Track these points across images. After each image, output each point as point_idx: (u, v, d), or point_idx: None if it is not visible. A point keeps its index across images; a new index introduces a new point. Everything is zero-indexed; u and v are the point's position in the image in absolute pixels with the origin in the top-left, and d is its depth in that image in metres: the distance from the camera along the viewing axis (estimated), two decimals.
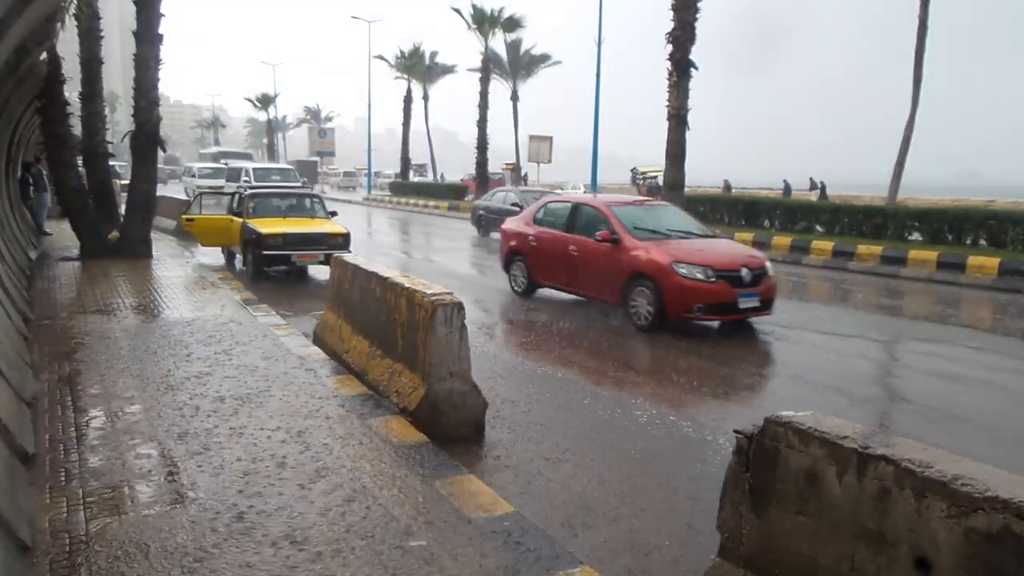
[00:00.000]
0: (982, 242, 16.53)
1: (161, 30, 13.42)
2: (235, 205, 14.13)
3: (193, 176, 36.64)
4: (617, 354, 8.50)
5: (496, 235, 16.59)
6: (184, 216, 14.27)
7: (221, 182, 29.27)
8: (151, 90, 13.62)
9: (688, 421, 6.04)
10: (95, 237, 13.72)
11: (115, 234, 14.01)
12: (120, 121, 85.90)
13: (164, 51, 13.59)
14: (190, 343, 7.47)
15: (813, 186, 34.02)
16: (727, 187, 34.39)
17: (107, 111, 15.97)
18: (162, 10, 13.36)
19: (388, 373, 5.94)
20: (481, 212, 22.84)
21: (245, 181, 23.77)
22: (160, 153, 14.33)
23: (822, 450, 2.79)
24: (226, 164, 34.39)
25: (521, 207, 17.72)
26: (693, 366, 7.90)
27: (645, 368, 8.19)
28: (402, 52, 50.57)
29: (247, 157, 48.06)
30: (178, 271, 12.69)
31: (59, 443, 4.79)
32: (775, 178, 36.65)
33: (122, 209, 15.26)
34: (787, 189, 34.50)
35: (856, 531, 2.65)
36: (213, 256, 14.81)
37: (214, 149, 56.41)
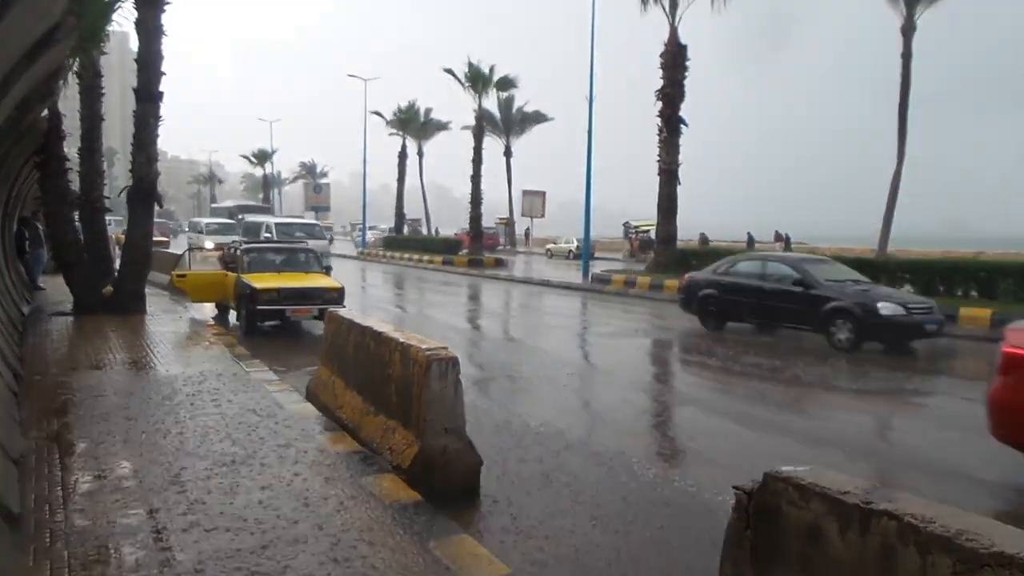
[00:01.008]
0: (973, 293, 16.63)
1: (161, 88, 13.68)
2: (230, 260, 14.20)
3: (200, 232, 34.01)
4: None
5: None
6: (175, 272, 14.28)
7: (232, 239, 25.29)
8: (150, 146, 13.79)
9: (692, 481, 5.96)
10: (89, 292, 13.69)
11: (109, 289, 13.99)
12: (118, 176, 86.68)
13: (163, 108, 13.84)
14: (181, 400, 7.39)
15: (778, 238, 34.61)
16: (703, 240, 34.99)
17: (105, 166, 16.12)
18: (163, 68, 13.64)
19: (382, 430, 5.88)
20: (708, 292, 14.60)
21: (267, 237, 22.02)
22: (156, 208, 14.44)
23: (823, 506, 2.75)
24: (241, 218, 32.22)
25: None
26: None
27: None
28: (399, 108, 51.51)
29: (267, 211, 43.63)
30: (171, 327, 12.63)
31: (45, 503, 4.68)
32: (758, 229, 37.15)
33: (117, 264, 15.26)
34: (750, 241, 35.21)
35: None
36: (207, 312, 14.77)
37: (229, 203, 52.71)
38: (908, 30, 24.98)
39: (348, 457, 5.67)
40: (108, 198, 15.69)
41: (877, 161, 25.71)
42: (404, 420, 5.63)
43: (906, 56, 25.00)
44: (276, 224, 24.68)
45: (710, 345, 12.98)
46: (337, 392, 7.05)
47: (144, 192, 13.78)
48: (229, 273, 13.66)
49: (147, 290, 14.61)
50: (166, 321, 13.13)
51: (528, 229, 49.52)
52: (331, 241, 29.76)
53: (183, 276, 14.13)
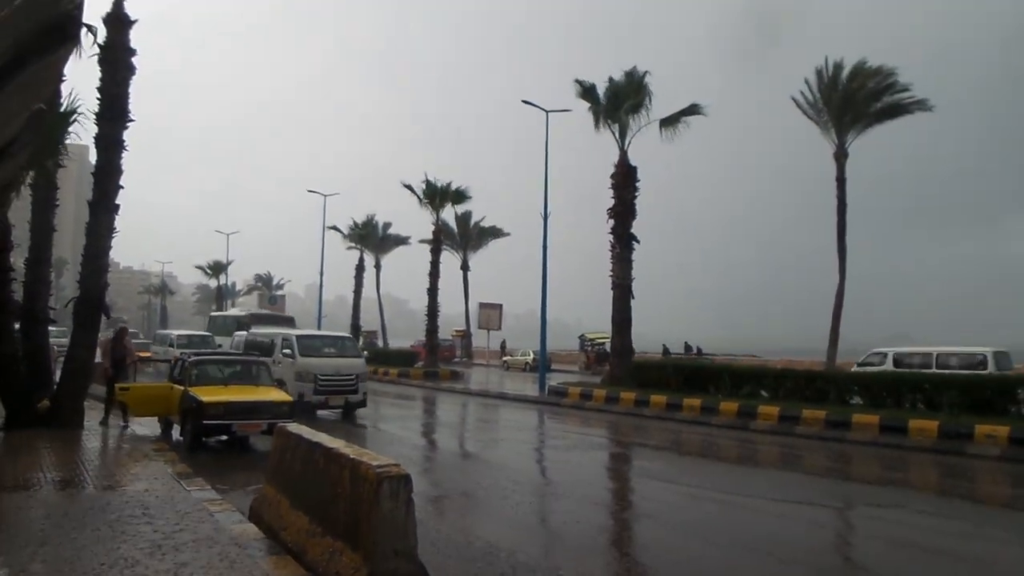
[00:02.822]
0: (920, 405, 16.99)
1: (118, 200, 13.67)
2: (176, 372, 13.81)
3: (170, 345, 30.18)
4: None
5: None
6: (118, 385, 13.76)
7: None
8: (101, 257, 13.61)
9: None
10: (24, 406, 13.05)
11: (45, 403, 13.37)
12: (65, 286, 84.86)
13: (118, 220, 13.77)
14: (114, 523, 6.94)
15: (688, 349, 35.72)
16: (665, 351, 36.56)
17: (53, 276, 15.77)
18: (121, 181, 13.68)
19: (328, 553, 5.58)
20: None
21: (286, 354, 17.97)
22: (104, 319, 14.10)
23: None
24: (245, 332, 24.39)
25: None
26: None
27: None
28: (355, 223, 52.22)
29: (287, 322, 33.35)
30: (110, 442, 12.06)
31: None
32: (710, 345, 38.38)
33: (57, 376, 14.67)
34: (665, 351, 37.35)
35: None
36: (149, 426, 14.17)
37: (236, 311, 42.36)
38: (840, 156, 26.66)
39: None
40: (54, 309, 15.26)
41: (826, 278, 26.69)
42: (352, 542, 5.37)
43: (840, 180, 26.54)
44: (298, 337, 18.62)
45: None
46: (282, 512, 6.72)
47: (91, 303, 13.49)
48: (175, 386, 13.25)
49: (87, 403, 14.01)
50: (105, 437, 12.53)
51: (504, 341, 49.49)
52: (368, 356, 22.47)
53: (126, 389, 13.63)
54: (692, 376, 22.49)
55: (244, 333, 25.43)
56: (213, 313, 46.38)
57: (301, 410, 14.78)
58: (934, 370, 20.23)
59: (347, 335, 22.13)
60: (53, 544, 6.21)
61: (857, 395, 18.28)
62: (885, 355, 23.52)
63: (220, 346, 31.47)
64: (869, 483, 11.94)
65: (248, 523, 7.06)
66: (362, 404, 17.90)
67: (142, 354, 27.77)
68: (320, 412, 17.46)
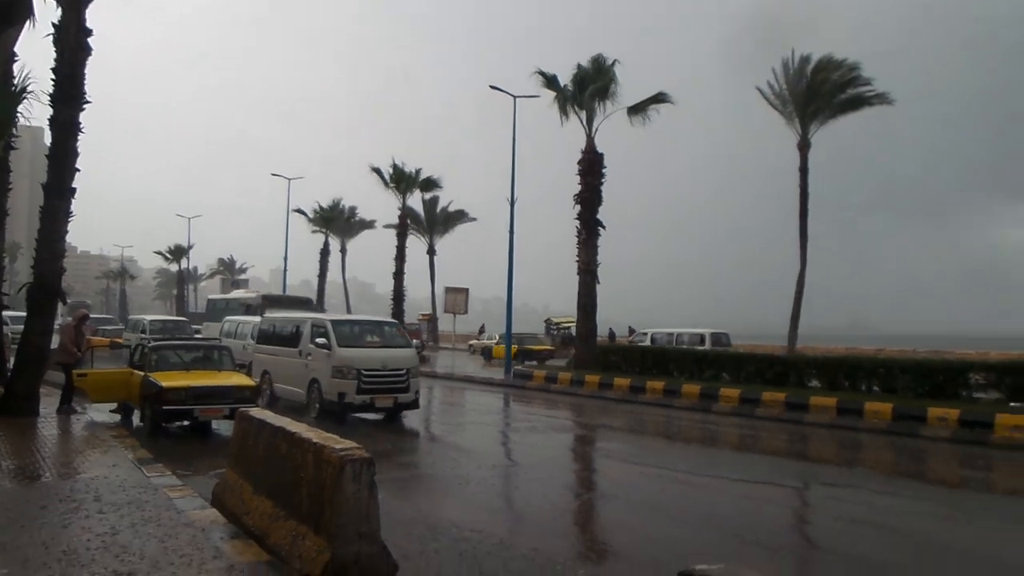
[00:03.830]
0: (875, 388, 17.45)
1: (74, 184, 13.34)
2: (136, 358, 13.58)
3: (142, 332, 26.92)
4: None
5: None
6: (76, 372, 13.49)
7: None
8: (57, 242, 13.28)
9: None
10: None
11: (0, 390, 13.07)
12: (20, 271, 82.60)
13: (74, 203, 13.46)
14: (71, 510, 6.85)
15: (632, 332, 36.50)
16: (611, 335, 37.43)
17: (7, 261, 15.35)
18: (77, 164, 13.35)
19: (291, 536, 5.58)
20: None
21: (319, 344, 14.33)
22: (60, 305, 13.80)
23: None
24: (250, 318, 22.90)
25: None
26: None
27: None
28: (320, 207, 51.67)
29: (305, 304, 28.66)
30: (68, 429, 11.85)
31: None
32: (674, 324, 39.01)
33: (11, 363, 14.33)
34: (611, 335, 37.86)
35: None
36: (108, 413, 13.93)
37: (240, 293, 36.28)
38: (804, 146, 27.09)
39: (254, 567, 5.34)
40: (7, 295, 14.85)
41: (789, 264, 27.16)
42: (315, 525, 5.38)
43: (803, 170, 26.99)
44: (336, 325, 14.69)
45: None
46: (245, 497, 6.69)
47: (46, 289, 13.17)
48: (135, 371, 13.04)
49: (44, 390, 13.72)
50: (63, 424, 12.30)
51: (483, 325, 49.32)
52: (422, 350, 17.98)
53: (84, 375, 13.37)
54: (656, 360, 22.80)
55: (243, 319, 23.38)
56: (212, 296, 39.14)
57: (340, 411, 13.73)
58: (675, 345, 26.64)
59: (391, 320, 18.34)
60: (10, 532, 6.10)
61: (816, 378, 18.71)
62: (646, 334, 29.92)
63: (198, 332, 29.84)
64: (826, 463, 12.26)
65: (210, 508, 7.02)
66: (414, 404, 14.45)
67: (118, 340, 26.92)
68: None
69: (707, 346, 26.18)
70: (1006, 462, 12.19)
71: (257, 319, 21.41)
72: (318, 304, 40.95)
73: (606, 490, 9.77)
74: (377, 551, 5.19)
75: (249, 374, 15.52)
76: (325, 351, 14.13)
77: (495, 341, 40.66)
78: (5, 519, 6.49)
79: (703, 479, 10.11)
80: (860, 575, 6.28)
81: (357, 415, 14.25)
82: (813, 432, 14.99)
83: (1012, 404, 14.83)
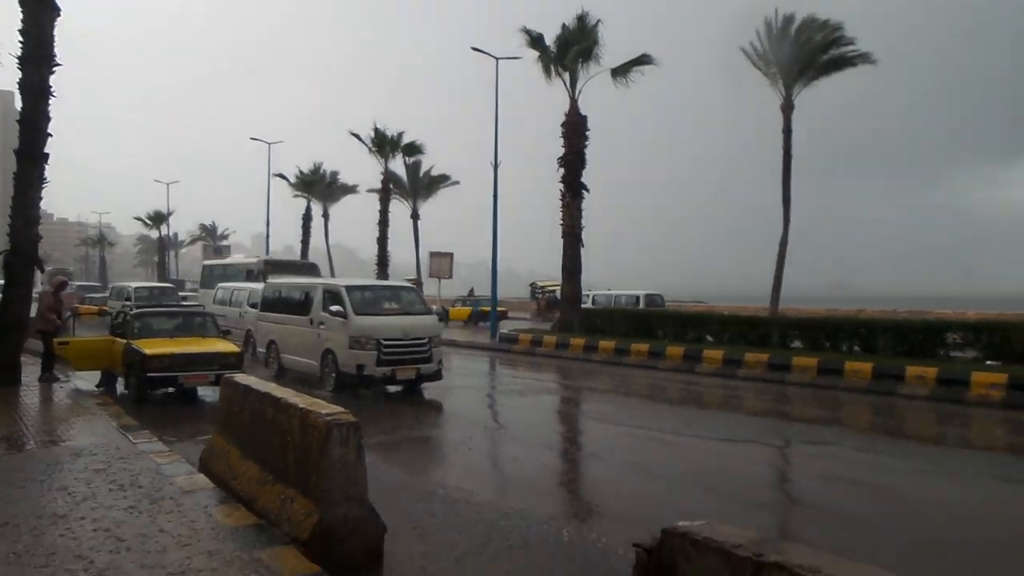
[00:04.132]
0: (856, 348, 17.69)
1: (47, 149, 13.06)
2: (117, 325, 13.47)
3: (127, 299, 26.39)
4: None
5: None
6: (56, 340, 13.36)
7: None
8: (31, 208, 13.03)
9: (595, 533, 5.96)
10: None
11: None
12: None
13: (49, 169, 13.19)
14: (58, 477, 6.84)
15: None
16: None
17: None
18: (49, 129, 13.05)
19: (279, 500, 5.61)
20: None
21: (334, 312, 13.22)
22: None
23: (718, 560, 2.81)
24: (247, 284, 21.63)
25: None
26: None
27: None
28: (300, 172, 51.00)
29: (309, 269, 27.46)
30: (51, 397, 11.77)
31: None
32: (659, 291, 39.03)
33: None
34: (593, 300, 37.98)
35: None
36: (91, 380, 13.84)
37: (240, 257, 34.04)
38: (787, 108, 26.96)
39: (243, 530, 5.37)
40: None
41: (773, 226, 27.22)
42: (303, 489, 5.40)
43: (786, 132, 26.88)
44: (350, 291, 13.65)
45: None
46: (232, 462, 6.71)
47: (22, 256, 12.97)
48: (117, 339, 12.94)
49: (25, 359, 13.58)
50: (44, 392, 12.22)
51: (472, 289, 48.99)
52: (444, 319, 16.75)
53: (65, 343, 13.25)
54: (640, 322, 22.96)
55: (238, 286, 22.22)
56: (207, 262, 35.93)
57: (359, 385, 13.01)
58: (613, 305, 29.00)
59: (409, 285, 16.70)
60: None
61: (798, 339, 18.93)
62: (589, 295, 31.17)
63: (185, 299, 29.20)
64: (806, 422, 12.46)
65: (198, 474, 7.03)
66: (437, 375, 13.63)
67: (105, 308, 26.35)
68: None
69: (641, 307, 28.70)
70: (981, 419, 12.45)
71: (254, 285, 20.62)
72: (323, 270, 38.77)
73: (592, 451, 9.89)
74: (365, 513, 5.23)
75: (241, 342, 15.34)
76: (340, 319, 13.13)
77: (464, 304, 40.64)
78: None
79: (686, 439, 10.25)
80: (838, 529, 6.42)
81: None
82: (795, 392, 15.22)
83: (988, 362, 15.10)
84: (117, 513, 5.75)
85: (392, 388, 13.69)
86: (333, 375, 13.26)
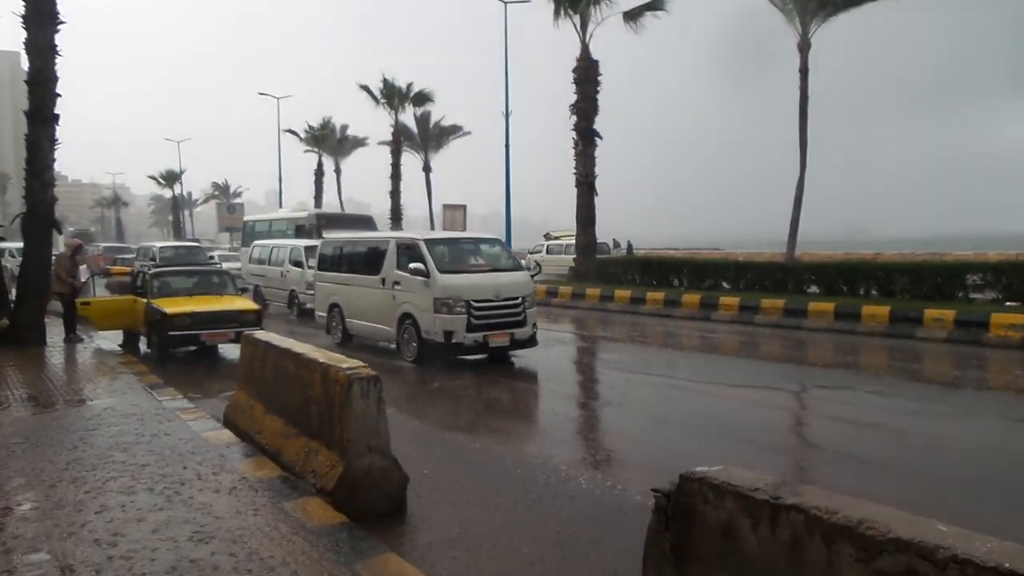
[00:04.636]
0: (873, 292, 17.59)
1: (57, 110, 13.04)
2: (138, 285, 13.63)
3: (152, 260, 25.13)
4: None
5: None
6: (79, 300, 13.55)
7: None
8: (45, 170, 13.09)
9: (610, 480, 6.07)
10: None
11: (4, 322, 13.17)
12: (12, 202, 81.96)
13: (61, 130, 13.20)
14: (88, 434, 7.02)
15: (617, 245, 36.36)
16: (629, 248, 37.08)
17: None
18: (58, 89, 13.01)
19: (304, 452, 5.74)
20: None
21: (413, 271, 11.49)
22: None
23: (736, 503, 2.86)
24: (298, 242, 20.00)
25: None
26: None
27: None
28: (308, 127, 50.68)
29: (367, 224, 23.81)
30: (76, 358, 12.00)
31: None
32: (676, 240, 38.70)
33: (13, 295, 14.39)
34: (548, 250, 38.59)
35: None
36: (115, 340, 14.09)
37: (285, 213, 30.49)
38: (804, 47, 26.27)
39: (270, 483, 5.52)
40: (2, 226, 14.74)
41: (789, 171, 26.83)
42: (327, 441, 5.52)
43: (803, 71, 26.24)
44: (430, 245, 11.90)
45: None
46: (256, 417, 6.85)
47: (40, 218, 13.08)
48: (138, 299, 13.11)
49: (48, 320, 13.82)
50: (69, 353, 12.45)
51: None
52: (535, 272, 14.03)
53: (87, 304, 13.45)
54: (656, 271, 22.90)
55: (277, 243, 20.75)
56: (248, 218, 32.67)
57: (447, 353, 11.26)
58: (563, 255, 29.69)
59: (494, 236, 13.91)
60: (27, 459, 6.27)
61: (814, 284, 18.83)
62: (543, 245, 33.21)
63: (213, 258, 27.80)
64: (823, 367, 12.48)
65: (223, 429, 7.19)
66: (531, 341, 11.91)
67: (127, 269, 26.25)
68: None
69: (611, 253, 30.90)
70: (1000, 361, 12.41)
71: (296, 242, 19.89)
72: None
73: (609, 399, 9.98)
74: (388, 464, 5.34)
75: (260, 299, 15.32)
76: (420, 279, 11.42)
77: None
78: (25, 446, 6.65)
79: (704, 386, 10.32)
80: (855, 472, 6.48)
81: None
82: (811, 337, 15.20)
83: (1008, 303, 14.98)
84: (146, 468, 5.91)
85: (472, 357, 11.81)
86: (414, 343, 11.68)
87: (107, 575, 4.00)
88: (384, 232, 14.88)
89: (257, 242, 22.69)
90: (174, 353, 12.18)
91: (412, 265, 11.54)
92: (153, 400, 8.54)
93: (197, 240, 41.88)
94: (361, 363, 5.54)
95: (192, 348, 12.34)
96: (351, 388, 5.21)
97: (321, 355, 5.97)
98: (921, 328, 14.36)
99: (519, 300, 11.66)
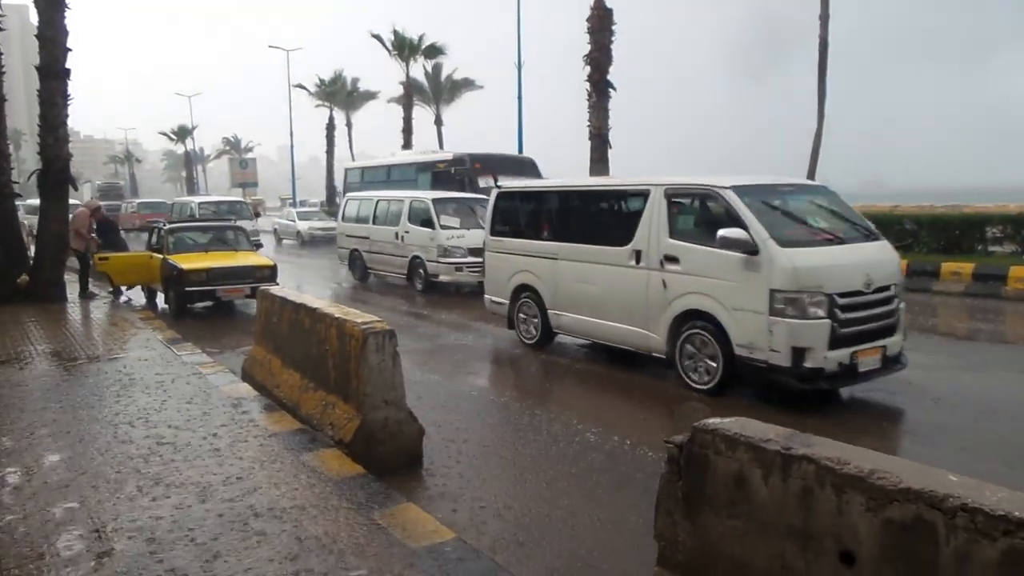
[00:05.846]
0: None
1: (68, 65, 12.97)
2: (154, 241, 13.74)
3: (192, 217, 21.99)
4: None
5: None
6: (97, 256, 13.70)
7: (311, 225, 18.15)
8: (59, 127, 13.10)
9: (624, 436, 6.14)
10: (3, 282, 13.03)
11: (25, 278, 13.34)
12: (26, 159, 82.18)
13: (72, 86, 13.16)
14: (111, 387, 7.17)
15: None
16: None
17: (12, 149, 15.16)
18: (69, 44, 12.93)
19: (321, 405, 5.85)
20: None
21: (730, 242, 6.67)
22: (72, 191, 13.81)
23: (748, 454, 2.89)
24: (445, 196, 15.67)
25: None
26: None
27: None
28: (320, 81, 50.19)
29: (531, 167, 20.33)
30: (95, 313, 12.18)
31: None
32: None
33: (32, 251, 14.55)
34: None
35: (784, 530, 2.75)
36: (133, 296, 14.27)
37: (410, 154, 24.77)
38: None
39: (289, 435, 5.64)
40: (17, 183, 14.83)
41: (807, 121, 26.34)
42: (344, 395, 5.62)
43: (824, 18, 25.60)
44: (738, 190, 7.02)
45: None
46: (274, 371, 6.96)
47: (55, 175, 13.14)
48: (154, 255, 13.23)
49: (67, 277, 14.00)
50: (89, 308, 12.64)
51: None
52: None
53: (105, 259, 13.59)
54: None
55: (380, 195, 16.86)
56: (353, 165, 27.05)
57: (787, 386, 6.67)
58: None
59: (819, 184, 9.37)
60: (52, 412, 6.42)
61: None
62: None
63: (259, 215, 24.90)
64: None
65: (242, 383, 7.32)
66: (899, 360, 7.31)
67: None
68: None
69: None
70: (1017, 313, 12.32)
71: (423, 195, 15.72)
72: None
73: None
74: (404, 416, 5.44)
75: (361, 269, 14.90)
76: (737, 255, 6.79)
77: None
78: (52, 400, 6.81)
79: None
80: (870, 426, 6.51)
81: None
82: None
83: None
84: (172, 420, 6.05)
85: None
86: (711, 362, 7.15)
87: (134, 510, 4.13)
88: (637, 178, 8.59)
89: (352, 194, 18.46)
90: (191, 309, 12.33)
91: (725, 233, 6.76)
92: (172, 355, 8.67)
93: (240, 199, 40.37)
94: (376, 318, 5.59)
95: (208, 303, 12.48)
96: (367, 342, 5.27)
97: (337, 310, 6.03)
98: (938, 281, 14.24)
99: (891, 290, 7.11)
